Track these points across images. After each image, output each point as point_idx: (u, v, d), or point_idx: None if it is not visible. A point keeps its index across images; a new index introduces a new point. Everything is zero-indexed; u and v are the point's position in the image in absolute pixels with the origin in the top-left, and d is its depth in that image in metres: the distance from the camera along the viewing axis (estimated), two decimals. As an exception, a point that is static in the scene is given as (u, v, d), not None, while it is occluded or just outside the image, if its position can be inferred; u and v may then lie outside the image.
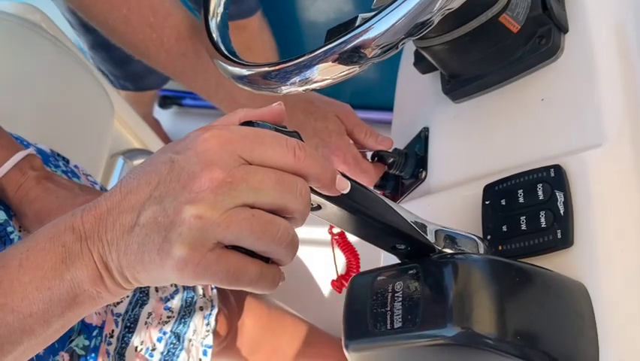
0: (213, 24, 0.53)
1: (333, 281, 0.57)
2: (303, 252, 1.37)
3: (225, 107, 0.67)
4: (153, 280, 0.33)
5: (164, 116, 1.64)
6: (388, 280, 0.40)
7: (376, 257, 0.56)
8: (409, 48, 0.67)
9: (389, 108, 0.76)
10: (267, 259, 0.34)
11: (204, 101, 1.85)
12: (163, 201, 0.31)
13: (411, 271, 0.39)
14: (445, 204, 0.55)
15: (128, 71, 1.14)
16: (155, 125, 1.44)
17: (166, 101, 1.66)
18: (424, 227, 0.41)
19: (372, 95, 1.37)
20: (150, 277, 0.32)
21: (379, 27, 0.38)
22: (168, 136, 1.50)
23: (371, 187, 0.66)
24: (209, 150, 0.31)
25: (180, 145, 0.33)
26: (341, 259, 0.60)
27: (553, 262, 0.43)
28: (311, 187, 0.35)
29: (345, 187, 0.35)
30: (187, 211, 0.31)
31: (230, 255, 0.32)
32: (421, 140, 0.64)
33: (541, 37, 0.53)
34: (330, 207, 0.37)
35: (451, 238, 0.42)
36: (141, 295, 0.68)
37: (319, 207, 0.37)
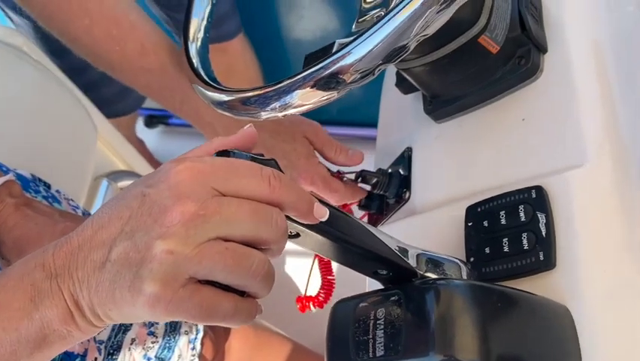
0: (193, 49, 0.52)
1: (299, 297, 0.56)
2: (289, 268, 1.36)
3: (192, 122, 0.67)
4: (126, 317, 0.32)
5: (151, 136, 1.63)
6: (370, 307, 0.39)
7: (362, 281, 0.55)
8: (391, 68, 0.67)
9: (375, 125, 0.76)
10: (242, 293, 0.33)
11: (191, 120, 1.81)
12: (134, 236, 0.31)
13: (393, 298, 0.39)
14: (429, 226, 0.55)
15: (97, 97, 1.12)
16: (140, 146, 1.43)
17: (152, 120, 1.66)
18: (405, 251, 0.41)
19: (358, 111, 1.37)
20: (122, 315, 0.32)
21: (357, 53, 0.38)
22: (154, 156, 1.49)
23: (350, 213, 0.66)
24: (181, 182, 0.31)
25: (153, 178, 0.32)
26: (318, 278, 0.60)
27: (537, 285, 0.43)
28: (288, 215, 0.34)
29: (323, 215, 0.35)
30: (158, 246, 0.30)
31: (204, 290, 0.31)
32: (405, 160, 0.64)
33: (520, 58, 0.53)
34: (309, 235, 0.36)
35: (432, 262, 0.42)
36: (124, 322, 0.67)
37: (298, 234, 0.36)
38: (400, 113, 0.68)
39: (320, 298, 0.60)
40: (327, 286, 0.61)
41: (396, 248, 0.40)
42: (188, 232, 0.30)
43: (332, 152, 0.67)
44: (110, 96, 1.09)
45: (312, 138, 0.66)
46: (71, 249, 0.32)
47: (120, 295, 0.31)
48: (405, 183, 0.62)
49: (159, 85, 0.63)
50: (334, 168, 0.69)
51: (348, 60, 0.38)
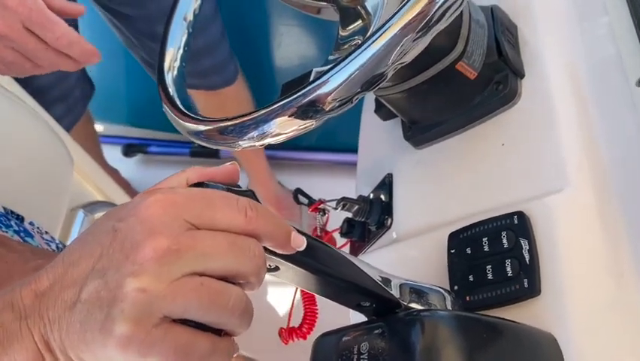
0: (169, 78, 0.52)
1: (281, 329, 0.55)
2: (272, 296, 1.34)
3: None
4: (100, 360, 0.30)
5: (129, 165, 1.61)
6: (354, 341, 0.38)
7: (346, 310, 0.54)
8: (370, 94, 0.67)
9: (356, 150, 0.76)
10: (219, 331, 0.32)
11: (170, 149, 1.82)
12: (106, 274, 0.29)
13: (376, 331, 0.38)
14: (412, 253, 0.54)
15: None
16: (114, 175, 1.41)
17: (131, 149, 1.64)
18: (388, 282, 0.40)
19: (338, 137, 1.38)
20: (96, 357, 0.30)
21: (334, 81, 0.38)
22: (130, 185, 1.47)
23: (332, 240, 0.65)
24: (153, 216, 0.30)
25: (124, 211, 0.31)
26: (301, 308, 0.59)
27: (522, 312, 0.43)
28: (265, 248, 0.33)
29: (300, 244, 0.34)
30: (130, 284, 0.29)
31: (178, 330, 0.30)
32: (386, 186, 0.63)
33: (498, 83, 0.54)
34: (289, 268, 0.35)
35: (416, 292, 0.41)
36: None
37: (277, 267, 0.35)
38: (379, 139, 0.68)
39: (303, 329, 0.59)
40: (311, 317, 0.59)
41: (379, 279, 0.39)
42: (161, 268, 0.29)
43: None
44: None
45: None
46: (42, 288, 0.30)
47: (91, 336, 0.29)
48: (386, 209, 0.62)
49: None
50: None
51: (325, 88, 0.38)
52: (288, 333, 0.58)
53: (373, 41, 0.38)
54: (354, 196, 0.67)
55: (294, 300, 0.59)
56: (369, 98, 0.71)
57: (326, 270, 0.36)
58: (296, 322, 0.59)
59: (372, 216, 0.63)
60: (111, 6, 1.09)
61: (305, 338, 0.58)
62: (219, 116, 0.46)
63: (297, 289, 0.59)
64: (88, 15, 1.13)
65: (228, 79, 1.22)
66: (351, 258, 0.39)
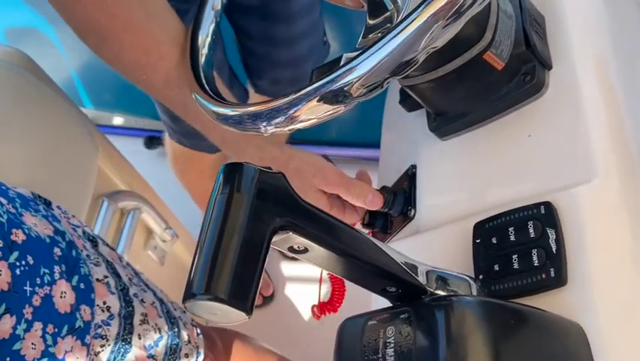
0: (199, 64, 0.52)
1: (313, 306, 0.56)
2: (290, 290, 1.34)
3: (220, 146, 0.67)
4: None
5: (151, 157, 1.62)
6: (379, 325, 0.38)
7: (367, 296, 0.54)
8: (394, 86, 0.67)
9: (376, 145, 0.76)
10: None
11: (190, 142, 1.79)
12: None
13: (402, 316, 0.38)
14: (435, 243, 0.54)
15: (183, 127, 1.04)
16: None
17: (153, 141, 1.65)
18: (414, 268, 0.40)
19: (358, 132, 1.37)
20: None
21: (364, 66, 0.38)
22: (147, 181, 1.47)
23: (359, 228, 0.66)
24: None
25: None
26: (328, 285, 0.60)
27: (548, 302, 0.42)
28: (296, 230, 0.33)
29: None
30: None
31: None
32: (409, 177, 0.63)
33: (525, 74, 0.53)
34: (317, 250, 0.36)
35: (442, 279, 0.41)
36: (123, 344, 0.66)
37: (306, 249, 0.36)
38: (403, 131, 0.68)
39: (333, 304, 0.60)
40: (339, 291, 0.60)
41: (406, 265, 0.39)
42: None
43: None
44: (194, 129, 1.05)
45: None
46: None
47: None
48: (409, 200, 0.62)
49: (183, 114, 0.63)
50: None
51: (355, 73, 0.38)
52: (320, 308, 0.59)
53: (403, 28, 0.38)
54: (377, 188, 0.67)
55: (321, 275, 0.61)
56: (393, 90, 0.71)
57: (355, 254, 0.37)
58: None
59: (395, 207, 0.63)
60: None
61: (335, 310, 0.59)
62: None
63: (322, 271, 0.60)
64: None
65: None
66: (380, 244, 0.39)
